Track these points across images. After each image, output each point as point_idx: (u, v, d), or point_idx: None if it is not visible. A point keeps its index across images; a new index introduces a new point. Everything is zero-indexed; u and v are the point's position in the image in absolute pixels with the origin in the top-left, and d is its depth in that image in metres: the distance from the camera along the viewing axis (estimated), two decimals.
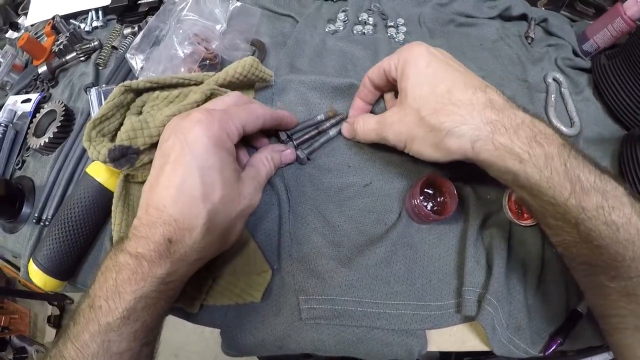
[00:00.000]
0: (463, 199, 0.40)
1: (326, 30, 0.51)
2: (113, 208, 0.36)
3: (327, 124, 0.42)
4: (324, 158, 0.42)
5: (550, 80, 0.49)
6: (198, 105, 0.34)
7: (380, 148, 0.40)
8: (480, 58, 0.50)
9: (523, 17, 0.55)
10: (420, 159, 0.33)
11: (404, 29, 0.52)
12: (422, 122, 0.30)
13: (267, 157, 0.38)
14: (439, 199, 0.39)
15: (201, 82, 0.38)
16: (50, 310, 1.45)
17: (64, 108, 0.50)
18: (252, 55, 0.47)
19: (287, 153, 0.40)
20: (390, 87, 0.39)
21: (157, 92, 0.37)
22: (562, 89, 0.49)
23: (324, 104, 0.44)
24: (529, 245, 0.38)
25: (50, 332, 1.43)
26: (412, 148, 0.33)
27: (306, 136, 0.42)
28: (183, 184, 0.27)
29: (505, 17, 0.55)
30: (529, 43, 0.52)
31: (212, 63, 0.48)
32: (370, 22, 0.52)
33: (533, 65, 0.50)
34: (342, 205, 0.40)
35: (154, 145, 0.32)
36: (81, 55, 0.57)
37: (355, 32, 0.51)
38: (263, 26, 0.52)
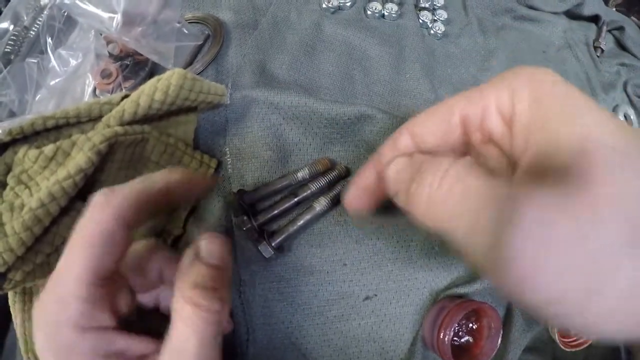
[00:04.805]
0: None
1: (323, 6, 0.30)
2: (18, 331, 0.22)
3: (313, 188, 0.25)
4: (305, 249, 0.25)
5: (621, 116, 0.37)
6: (85, 176, 0.19)
7: (395, 239, 0.25)
8: None
9: (593, 18, 0.40)
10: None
11: (443, 14, 0.33)
12: None
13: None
14: (471, 325, 0.26)
15: (99, 116, 0.22)
16: None
17: None
18: (205, 41, 0.26)
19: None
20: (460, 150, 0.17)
21: (22, 150, 0.21)
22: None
23: (311, 147, 0.26)
24: None
25: None
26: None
27: (275, 211, 0.24)
28: None
29: (573, 14, 0.40)
30: (598, 56, 0.40)
31: (138, 60, 0.26)
32: None
33: (605, 94, 0.38)
34: (328, 330, 0.25)
35: (22, 260, 0.19)
36: None
37: (369, 12, 0.31)
38: None
